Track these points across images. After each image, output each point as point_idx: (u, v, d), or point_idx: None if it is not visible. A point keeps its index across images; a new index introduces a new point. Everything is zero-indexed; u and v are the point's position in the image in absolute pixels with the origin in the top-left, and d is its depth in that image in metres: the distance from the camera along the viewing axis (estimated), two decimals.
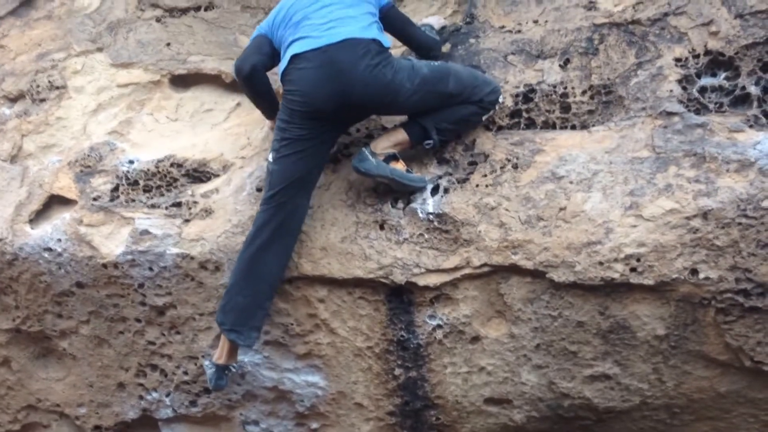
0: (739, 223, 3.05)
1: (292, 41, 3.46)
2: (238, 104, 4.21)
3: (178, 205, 3.87)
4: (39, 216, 4.08)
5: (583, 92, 3.55)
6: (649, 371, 3.34)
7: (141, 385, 4.09)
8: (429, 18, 3.96)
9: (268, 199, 3.50)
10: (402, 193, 3.53)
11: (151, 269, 3.80)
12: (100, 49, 4.54)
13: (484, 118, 3.55)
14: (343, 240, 3.57)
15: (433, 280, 3.46)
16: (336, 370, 3.76)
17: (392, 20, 3.66)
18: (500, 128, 3.60)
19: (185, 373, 3.98)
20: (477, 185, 3.47)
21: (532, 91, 3.61)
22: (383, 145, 3.52)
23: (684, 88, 3.39)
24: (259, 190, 3.72)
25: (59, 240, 3.91)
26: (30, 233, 3.99)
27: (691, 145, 3.23)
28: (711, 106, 3.34)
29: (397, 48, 3.91)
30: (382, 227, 3.54)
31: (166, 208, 3.87)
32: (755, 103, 3.28)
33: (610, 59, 3.56)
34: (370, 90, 3.36)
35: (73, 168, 4.10)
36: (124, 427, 4.26)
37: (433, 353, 3.58)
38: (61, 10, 4.74)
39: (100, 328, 4.01)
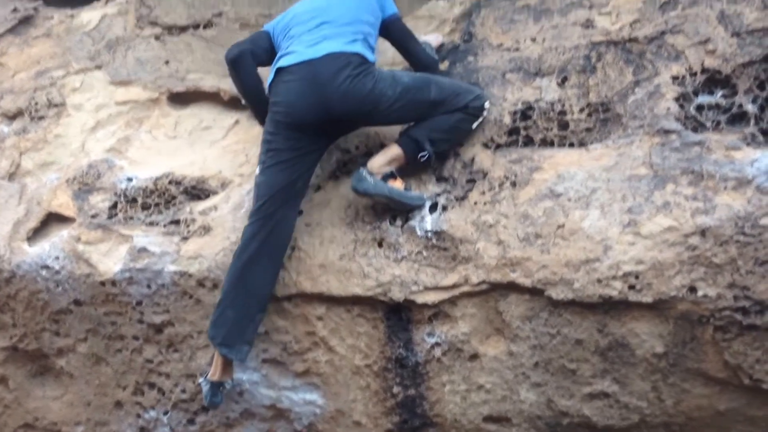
0: (737, 241, 3.05)
1: (281, 55, 3.54)
2: (237, 122, 4.22)
3: (177, 222, 3.86)
4: (37, 233, 4.07)
5: (581, 110, 3.56)
6: (648, 389, 3.32)
7: (138, 403, 4.07)
8: (427, 36, 3.98)
9: (255, 211, 3.52)
10: (400, 211, 3.53)
11: (149, 287, 3.79)
12: (98, 67, 4.56)
13: (474, 125, 3.56)
14: (341, 257, 3.57)
15: (432, 297, 3.45)
16: (334, 388, 3.75)
17: (395, 32, 3.70)
18: (498, 146, 3.60)
19: (183, 391, 3.96)
20: (475, 203, 3.47)
21: (530, 108, 3.62)
22: (380, 162, 3.53)
23: (681, 106, 3.39)
24: None
25: (57, 257, 3.91)
26: (28, 251, 3.98)
27: (689, 163, 3.23)
28: (708, 124, 3.34)
29: (398, 64, 3.93)
30: (380, 245, 3.54)
31: (165, 225, 3.87)
32: (752, 121, 3.28)
33: (607, 77, 3.57)
34: (349, 100, 3.40)
35: (72, 185, 4.10)
36: None
37: (432, 371, 3.57)
38: (60, 28, 4.77)
39: (97, 346, 4.00)
